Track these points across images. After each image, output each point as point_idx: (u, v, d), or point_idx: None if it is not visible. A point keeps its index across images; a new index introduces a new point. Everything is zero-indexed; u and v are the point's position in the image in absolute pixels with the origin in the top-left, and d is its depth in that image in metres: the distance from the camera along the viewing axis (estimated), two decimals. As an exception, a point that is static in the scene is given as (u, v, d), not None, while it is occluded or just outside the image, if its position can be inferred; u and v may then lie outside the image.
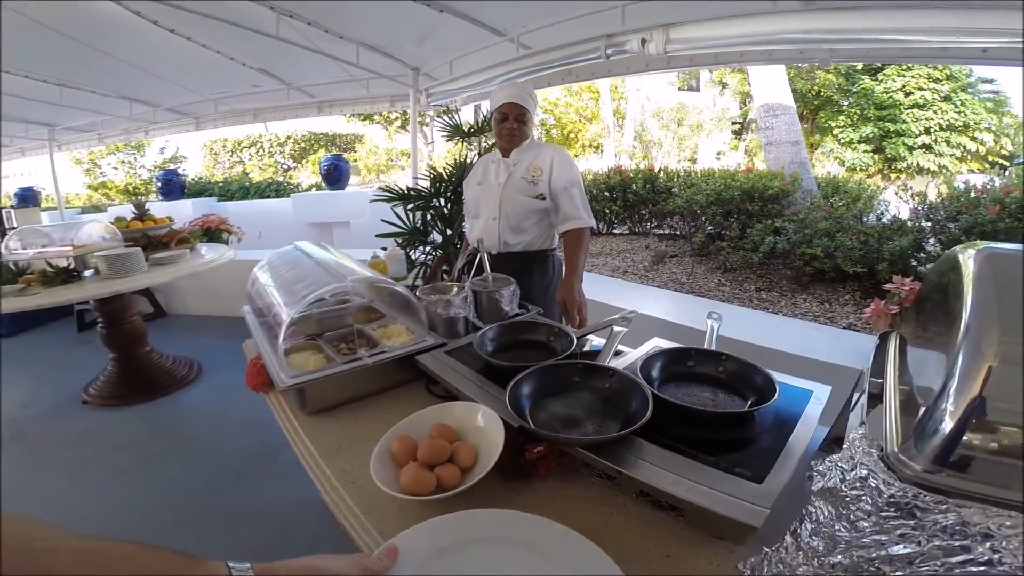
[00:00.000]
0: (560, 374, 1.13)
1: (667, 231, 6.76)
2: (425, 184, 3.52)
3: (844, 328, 3.87)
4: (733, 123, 14.78)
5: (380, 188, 3.75)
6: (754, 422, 1.01)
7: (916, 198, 4.74)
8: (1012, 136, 13.33)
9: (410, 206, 3.56)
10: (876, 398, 0.86)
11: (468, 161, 3.55)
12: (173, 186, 8.37)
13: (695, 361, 1.21)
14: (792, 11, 2.37)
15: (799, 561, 0.67)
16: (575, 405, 1.07)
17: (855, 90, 13.10)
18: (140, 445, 2.81)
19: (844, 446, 0.76)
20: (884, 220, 5.02)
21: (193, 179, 10.87)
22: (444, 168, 3.62)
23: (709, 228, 5.54)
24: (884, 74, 13.00)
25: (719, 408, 1.06)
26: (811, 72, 12.92)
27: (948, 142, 12.82)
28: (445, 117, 4.08)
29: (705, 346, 1.29)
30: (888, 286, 3.09)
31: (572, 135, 15.11)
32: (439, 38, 3.77)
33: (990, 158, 13.37)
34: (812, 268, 4.48)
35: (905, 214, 4.84)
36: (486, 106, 3.69)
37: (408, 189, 3.55)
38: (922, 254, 4.33)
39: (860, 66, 12.99)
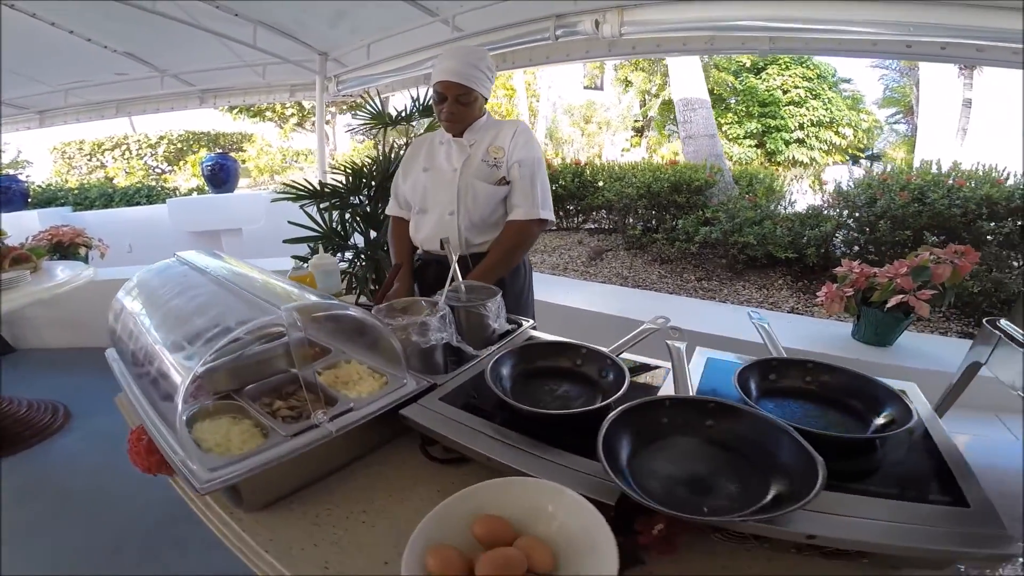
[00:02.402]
0: (646, 418, 0.80)
1: (594, 226, 6.69)
2: (340, 179, 2.98)
3: (788, 312, 3.95)
4: (635, 121, 15.37)
5: (284, 184, 3.14)
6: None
7: (822, 187, 5.05)
8: (867, 131, 15.29)
9: (324, 204, 3.00)
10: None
11: (396, 152, 3.07)
12: (13, 194, 6.78)
13: (776, 373, 1.01)
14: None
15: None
16: (683, 457, 0.78)
17: (741, 88, 14.16)
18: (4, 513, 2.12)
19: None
20: (797, 208, 5.31)
21: (40, 186, 9.02)
22: (363, 161, 3.12)
23: (640, 221, 5.51)
24: (767, 73, 14.21)
25: (853, 434, 0.86)
26: (706, 71, 13.80)
27: (817, 137, 14.34)
28: (365, 105, 3.51)
29: (774, 354, 1.09)
30: (838, 270, 3.10)
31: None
32: (356, 18, 3.27)
33: (850, 151, 15.20)
34: (745, 256, 4.57)
35: (807, 203, 5.16)
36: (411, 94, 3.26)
37: (321, 185, 2.98)
38: (838, 238, 4.58)
39: (748, 64, 14.08)
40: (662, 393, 1.01)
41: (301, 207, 2.95)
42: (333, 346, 1.16)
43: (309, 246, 2.95)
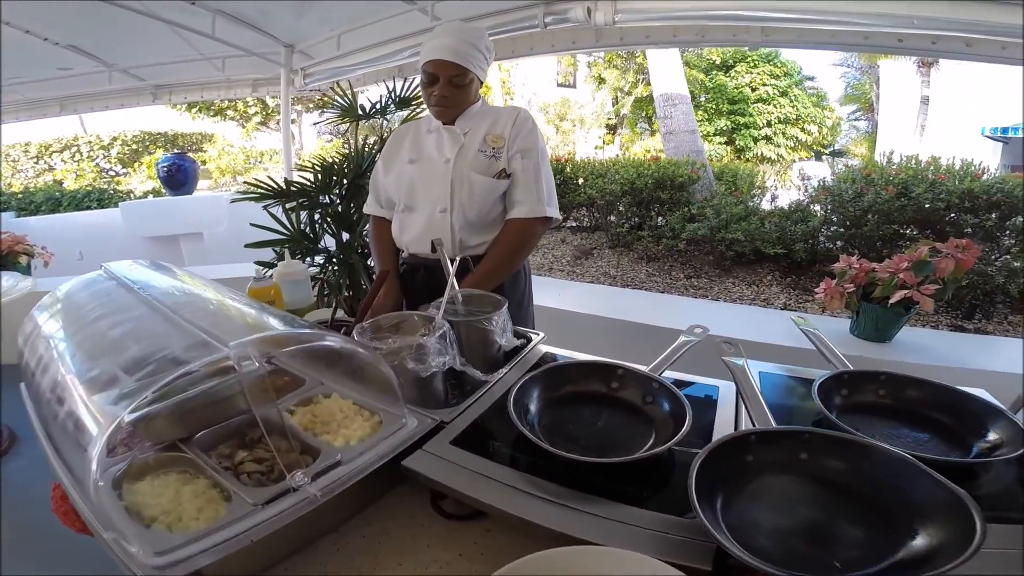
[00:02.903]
0: (732, 458, 0.64)
1: (575, 224, 6.54)
2: (308, 178, 2.73)
3: (781, 308, 3.87)
4: (609, 119, 15.38)
5: (247, 183, 2.87)
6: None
7: (805, 183, 5.04)
8: (831, 128, 15.72)
9: (290, 205, 2.74)
10: None
11: (371, 147, 2.83)
12: (-56, 202, 6.24)
13: (848, 388, 0.89)
14: None
15: None
16: (784, 503, 0.62)
17: (712, 85, 14.31)
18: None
19: None
20: (779, 204, 5.30)
21: (-24, 191, 8.37)
22: (334, 157, 2.87)
23: (623, 219, 5.39)
24: (736, 71, 14.40)
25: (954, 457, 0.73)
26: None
27: (784, 134, 14.63)
28: (336, 99, 3.25)
29: (835, 364, 0.97)
30: (837, 266, 3.01)
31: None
32: (326, 8, 3.02)
33: (815, 147, 15.59)
34: (733, 252, 4.50)
35: (788, 198, 5.15)
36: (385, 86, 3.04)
37: (287, 183, 2.72)
38: (823, 233, 4.55)
39: (718, 61, 14.24)
40: (721, 419, 0.84)
41: (265, 208, 2.69)
42: (307, 374, 0.94)
43: (275, 251, 2.69)
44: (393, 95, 3.06)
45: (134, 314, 0.79)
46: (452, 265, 1.13)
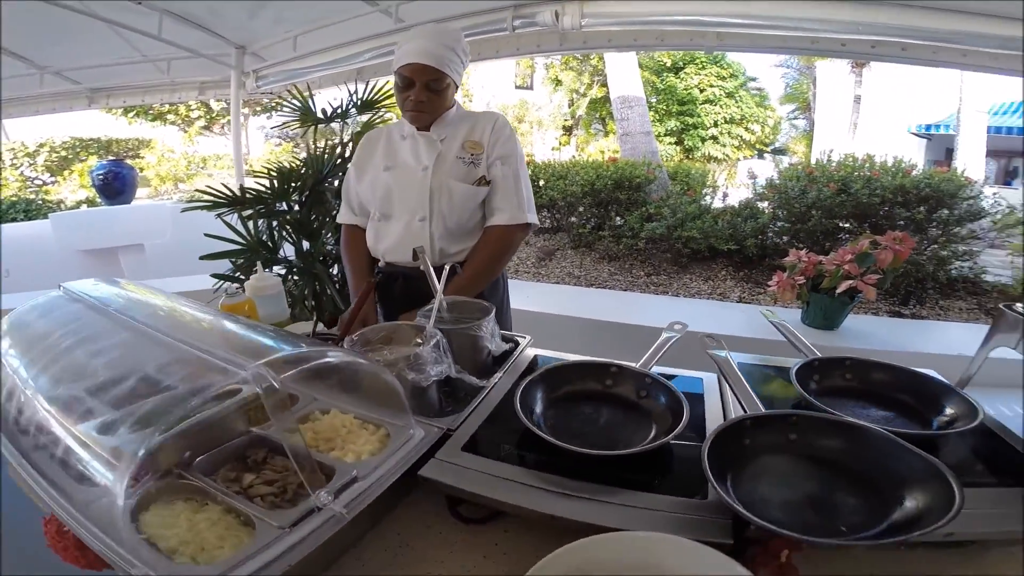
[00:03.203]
0: (732, 442, 0.70)
1: (537, 225, 6.61)
2: (264, 184, 2.62)
3: (737, 302, 4.07)
4: (565, 120, 15.62)
5: (198, 191, 2.75)
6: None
7: (753, 181, 5.30)
8: (773, 127, 16.54)
9: (247, 212, 2.63)
10: None
11: (329, 153, 2.76)
12: None
13: (819, 374, 0.97)
14: None
15: None
16: (784, 479, 0.69)
17: (662, 87, 14.78)
18: None
19: None
20: (730, 202, 5.55)
21: None
22: (292, 162, 2.79)
23: (584, 219, 5.51)
24: (685, 72, 14.91)
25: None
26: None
27: (730, 133, 15.28)
28: (292, 101, 3.14)
29: (804, 352, 1.05)
30: (787, 260, 3.22)
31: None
32: (282, 8, 2.93)
33: (757, 146, 16.37)
34: (689, 249, 4.68)
35: (738, 196, 5.42)
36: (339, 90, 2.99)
37: (242, 190, 2.60)
38: (776, 228, 4.81)
39: (669, 63, 14.70)
40: (710, 408, 0.91)
41: (218, 216, 2.58)
42: (299, 391, 0.93)
43: (232, 262, 2.59)
44: (355, 98, 3.00)
45: (120, 338, 0.76)
46: (443, 272, 1.13)
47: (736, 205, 5.27)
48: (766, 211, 4.81)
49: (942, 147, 11.76)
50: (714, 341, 1.01)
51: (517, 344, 1.20)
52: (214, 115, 12.41)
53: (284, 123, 3.17)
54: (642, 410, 0.86)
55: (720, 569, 0.50)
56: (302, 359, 0.69)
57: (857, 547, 0.60)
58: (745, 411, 0.79)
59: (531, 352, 1.18)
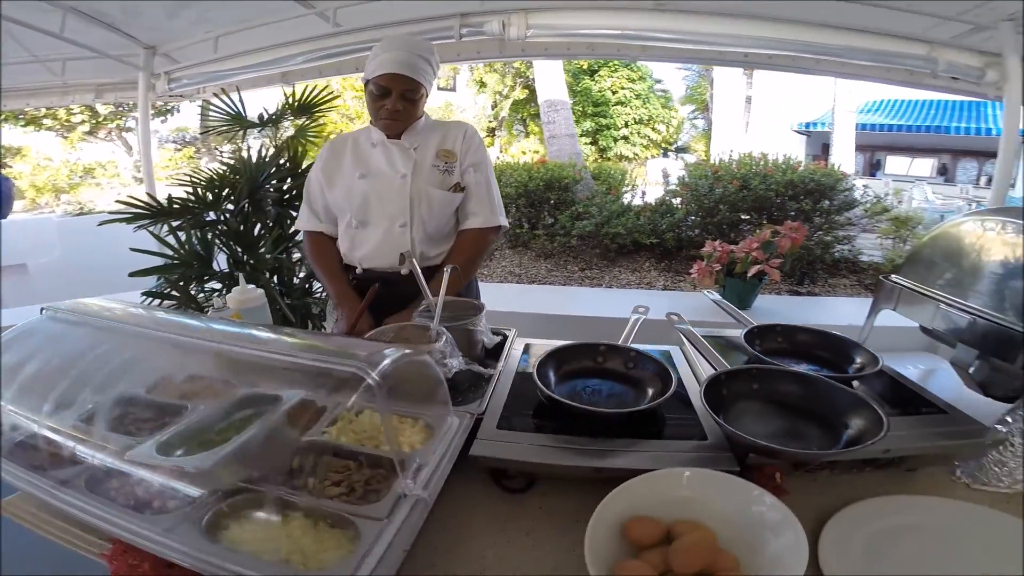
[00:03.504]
0: (716, 392, 0.89)
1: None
2: (192, 192, 2.48)
3: (662, 289, 4.45)
4: (489, 122, 15.82)
5: (119, 201, 2.56)
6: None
7: (666, 179, 5.79)
8: (676, 127, 17.80)
9: (177, 223, 2.49)
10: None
11: (262, 159, 2.66)
12: None
13: (759, 339, 1.19)
14: (637, 9, 2.53)
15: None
16: (762, 417, 0.89)
17: (579, 89, 15.40)
18: None
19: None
20: (647, 199, 6.01)
21: None
22: (222, 169, 2.65)
23: (518, 220, 5.70)
24: (599, 75, 15.63)
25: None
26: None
27: (639, 133, 16.27)
28: (217, 103, 2.97)
29: (744, 323, 1.27)
30: (704, 250, 3.63)
31: (314, 135, 13.73)
32: (206, 7, 2.79)
33: (663, 145, 17.57)
34: (616, 244, 5.03)
35: (652, 194, 5.90)
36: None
37: (169, 200, 2.44)
38: (689, 222, 5.28)
39: (585, 66, 15.32)
40: (683, 372, 1.11)
41: (143, 228, 2.40)
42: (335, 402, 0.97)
43: (167, 278, 2.43)
44: (291, 101, 2.93)
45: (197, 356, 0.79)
46: (444, 275, 1.22)
47: (653, 202, 5.71)
48: (679, 207, 5.27)
49: (819, 143, 13.33)
50: (678, 318, 1.21)
51: (505, 337, 1.32)
52: (100, 119, 11.14)
53: (212, 128, 3.02)
54: (633, 378, 1.02)
55: (741, 489, 0.68)
56: (414, 360, 0.76)
57: (828, 460, 0.81)
58: (715, 369, 0.99)
59: (528, 341, 1.32)
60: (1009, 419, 0.86)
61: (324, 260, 1.58)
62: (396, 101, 1.38)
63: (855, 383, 1.00)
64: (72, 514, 0.72)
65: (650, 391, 0.95)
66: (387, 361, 0.67)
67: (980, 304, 0.98)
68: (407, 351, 0.73)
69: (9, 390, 0.87)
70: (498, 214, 1.54)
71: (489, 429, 0.86)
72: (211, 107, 2.98)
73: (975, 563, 0.68)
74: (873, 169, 14.05)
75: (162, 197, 2.49)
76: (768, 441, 0.75)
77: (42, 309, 0.98)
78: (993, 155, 2.83)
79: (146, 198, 2.42)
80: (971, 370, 1.08)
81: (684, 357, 1.19)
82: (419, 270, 1.27)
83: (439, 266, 1.51)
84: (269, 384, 0.77)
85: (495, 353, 1.22)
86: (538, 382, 0.91)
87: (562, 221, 5.20)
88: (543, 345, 1.26)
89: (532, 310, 2.65)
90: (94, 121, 11.23)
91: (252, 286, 1.48)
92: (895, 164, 13.81)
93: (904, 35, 2.76)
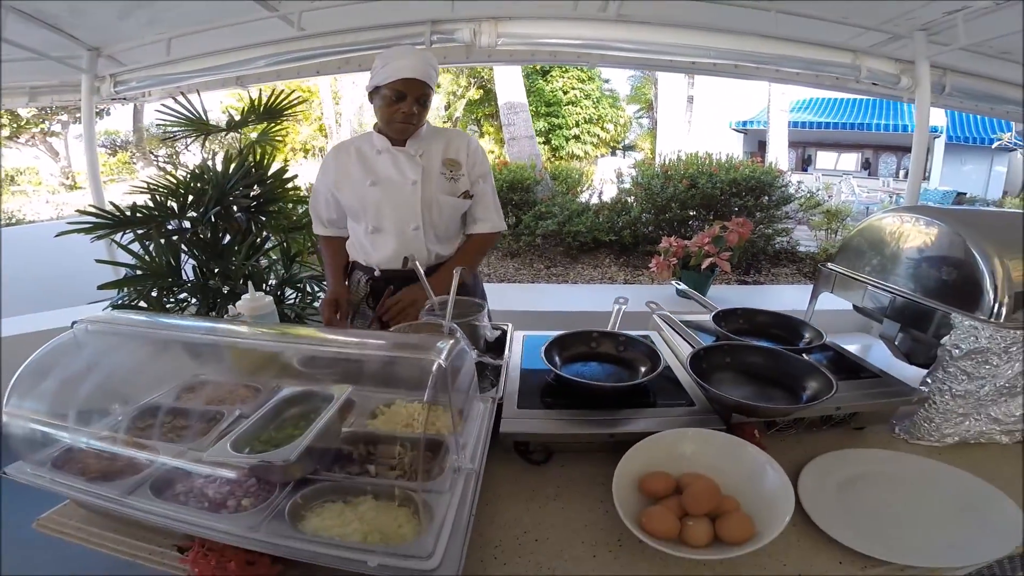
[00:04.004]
0: (698, 364, 1.06)
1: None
2: (152, 200, 2.43)
3: (623, 284, 4.69)
4: (444, 122, 15.76)
5: (79, 211, 2.48)
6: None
7: (619, 179, 6.07)
8: (623, 126, 18.34)
9: (141, 231, 2.44)
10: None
11: (238, 164, 2.64)
12: None
13: (724, 321, 1.38)
14: (599, 20, 2.70)
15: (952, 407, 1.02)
16: (737, 383, 1.06)
17: (532, 89, 15.58)
18: None
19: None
20: (603, 198, 6.27)
21: None
22: (186, 176, 2.61)
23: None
24: (551, 75, 15.87)
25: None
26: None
27: (588, 132, 16.67)
28: (173, 106, 2.87)
29: (710, 309, 1.43)
30: (661, 245, 3.90)
31: (277, 140, 13.31)
32: (162, 8, 2.72)
33: (611, 144, 18.08)
34: (578, 242, 5.24)
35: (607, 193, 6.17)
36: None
37: (133, 209, 2.39)
38: (643, 220, 5.56)
39: (537, 67, 15.50)
40: (664, 351, 1.26)
41: (97, 240, 2.34)
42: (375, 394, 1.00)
43: (136, 288, 2.39)
44: (256, 105, 2.89)
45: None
46: (455, 277, 1.32)
47: (609, 201, 5.96)
48: (634, 205, 5.55)
49: (756, 140, 14.17)
50: (656, 305, 1.38)
51: (504, 331, 1.45)
52: (22, 123, 10.29)
53: (170, 132, 2.94)
54: (626, 359, 1.18)
55: (732, 444, 0.84)
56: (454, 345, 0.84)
57: (795, 419, 1.00)
58: (692, 347, 1.15)
59: (519, 335, 1.45)
60: (929, 380, 1.07)
61: (334, 258, 1.71)
62: (411, 104, 1.46)
63: (805, 355, 1.20)
64: (152, 521, 0.75)
65: (642, 369, 1.11)
66: (449, 345, 0.78)
67: (900, 285, 1.20)
68: (455, 341, 0.83)
69: (49, 402, 0.91)
70: (502, 219, 1.70)
71: (511, 410, 0.99)
72: (170, 111, 2.90)
73: (919, 501, 0.86)
74: (805, 164, 15.05)
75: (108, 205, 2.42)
76: (753, 399, 0.92)
77: (73, 323, 1.02)
78: (910, 150, 3.20)
79: (91, 207, 2.36)
80: (896, 342, 1.31)
81: (663, 340, 1.36)
82: (423, 273, 1.38)
83: (446, 262, 1.62)
84: (328, 379, 0.86)
85: (494, 346, 1.35)
86: (549, 364, 1.05)
87: (526, 221, 5.35)
88: (541, 336, 1.40)
89: (512, 308, 2.79)
90: (16, 126, 10.36)
91: (260, 293, 1.53)
92: (824, 159, 14.87)
93: (831, 44, 3.09)
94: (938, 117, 12.00)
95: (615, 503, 0.76)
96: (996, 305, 0.98)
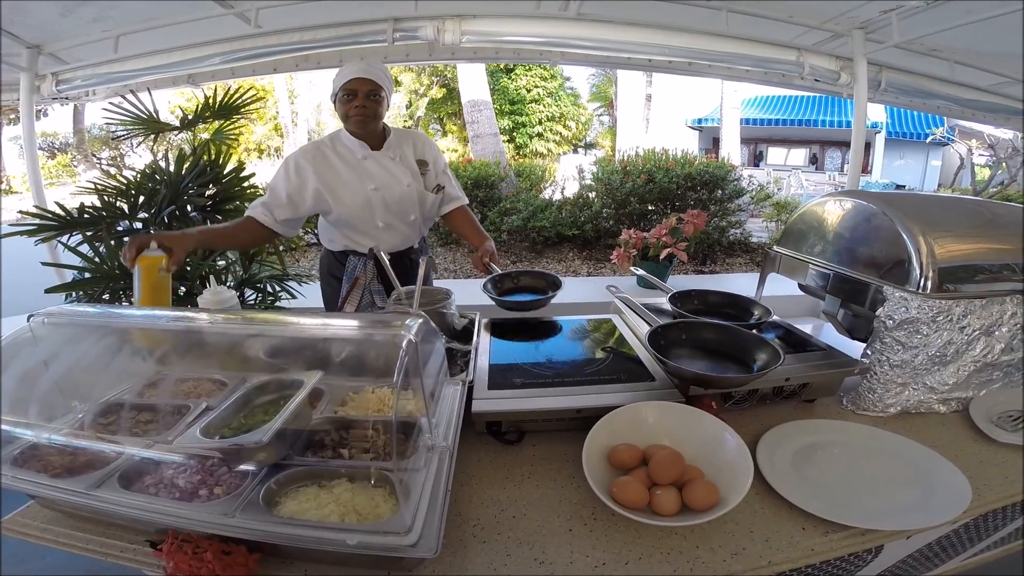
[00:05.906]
0: (655, 342, 1.11)
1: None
2: (99, 200, 2.34)
3: (587, 276, 4.80)
4: (405, 122, 15.57)
5: (22, 212, 2.37)
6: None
7: (581, 175, 6.18)
8: (585, 123, 18.56)
9: (90, 232, 2.36)
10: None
11: (191, 163, 2.56)
12: None
13: (679, 302, 1.44)
14: (560, 18, 2.76)
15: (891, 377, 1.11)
16: (693, 357, 1.12)
17: (496, 88, 15.57)
18: None
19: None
20: (566, 194, 6.36)
21: None
22: (136, 176, 2.52)
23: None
24: (515, 73, 15.88)
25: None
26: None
27: (551, 130, 16.82)
28: (123, 104, 2.75)
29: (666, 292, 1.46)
30: (621, 238, 4.02)
31: (231, 138, 12.86)
32: (107, 7, 2.62)
33: (573, 141, 18.29)
34: (543, 237, 5.32)
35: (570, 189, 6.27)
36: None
37: (81, 209, 2.30)
38: (604, 214, 5.67)
39: (502, 65, 15.47)
40: (624, 331, 1.35)
41: (41, 243, 2.25)
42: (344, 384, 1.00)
43: (85, 293, 2.29)
44: (211, 104, 2.81)
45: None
46: (421, 266, 1.35)
47: (572, 197, 6.06)
48: (595, 200, 5.67)
49: (710, 137, 14.63)
50: (616, 288, 1.45)
51: (472, 320, 1.48)
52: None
53: (119, 131, 2.82)
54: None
55: (692, 415, 0.90)
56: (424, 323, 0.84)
57: (749, 391, 1.07)
58: (650, 326, 1.22)
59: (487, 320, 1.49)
60: (869, 352, 1.17)
61: (229, 227, 1.69)
62: (363, 99, 1.63)
63: (755, 330, 1.28)
64: (122, 513, 0.74)
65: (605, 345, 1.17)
66: (419, 323, 0.81)
67: (838, 263, 1.30)
68: (424, 320, 0.85)
69: (7, 399, 0.88)
70: (463, 195, 1.96)
71: (482, 391, 1.03)
72: (119, 109, 2.78)
73: (871, 468, 0.93)
74: (757, 160, 15.65)
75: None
76: (707, 371, 0.98)
77: (29, 316, 0.99)
78: (852, 144, 3.41)
79: (35, 208, 2.26)
80: (839, 317, 1.41)
81: (624, 322, 1.43)
82: (387, 262, 1.51)
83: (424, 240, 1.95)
84: (297, 366, 0.87)
85: (462, 336, 1.38)
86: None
87: (492, 217, 5.38)
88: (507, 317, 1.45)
89: (480, 302, 2.81)
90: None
91: (222, 287, 1.51)
92: (775, 155, 15.50)
93: (778, 42, 3.25)
94: (878, 113, 12.71)
95: (585, 474, 0.80)
96: (922, 279, 1.08)
